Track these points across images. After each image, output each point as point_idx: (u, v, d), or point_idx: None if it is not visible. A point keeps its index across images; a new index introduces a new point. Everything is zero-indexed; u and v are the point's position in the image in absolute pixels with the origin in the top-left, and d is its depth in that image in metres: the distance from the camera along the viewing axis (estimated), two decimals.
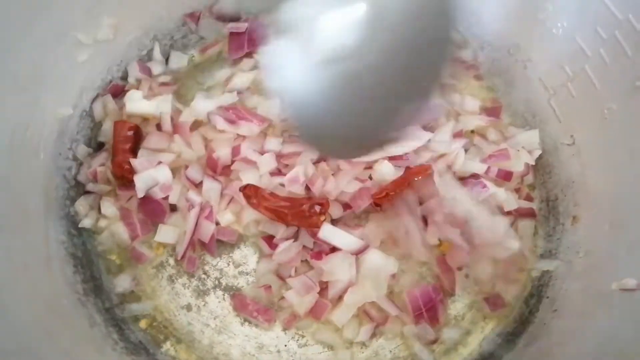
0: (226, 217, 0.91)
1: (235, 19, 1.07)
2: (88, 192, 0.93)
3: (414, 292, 0.85)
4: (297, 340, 0.86)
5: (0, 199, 0.75)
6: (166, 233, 0.90)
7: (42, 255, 0.81)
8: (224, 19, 1.06)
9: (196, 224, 0.89)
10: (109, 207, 0.91)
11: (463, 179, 0.93)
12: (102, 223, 0.91)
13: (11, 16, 0.77)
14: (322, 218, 0.86)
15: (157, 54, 1.04)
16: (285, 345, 0.85)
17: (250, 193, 0.87)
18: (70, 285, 0.83)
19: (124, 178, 0.91)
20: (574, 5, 0.88)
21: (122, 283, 0.88)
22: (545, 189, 0.97)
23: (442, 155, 0.94)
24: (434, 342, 0.86)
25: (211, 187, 0.91)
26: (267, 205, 0.87)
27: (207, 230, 0.89)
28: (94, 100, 0.97)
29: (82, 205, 0.91)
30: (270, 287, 0.87)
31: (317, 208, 0.86)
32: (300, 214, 0.86)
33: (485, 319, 0.88)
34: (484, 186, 0.91)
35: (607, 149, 0.85)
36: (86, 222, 0.90)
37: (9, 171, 0.78)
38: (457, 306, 0.89)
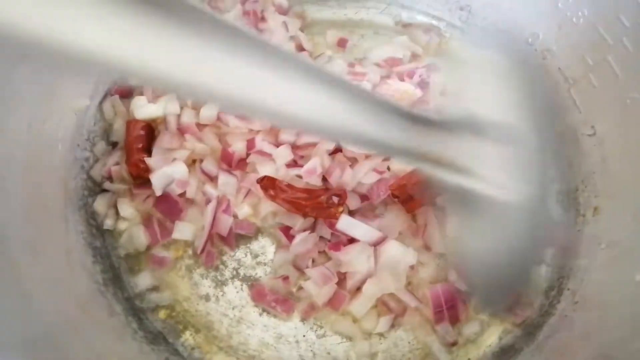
0: (244, 210, 0.91)
1: None
2: (105, 190, 0.93)
3: (436, 289, 0.85)
4: (316, 330, 0.86)
5: (21, 190, 0.75)
6: (183, 230, 0.90)
7: (63, 246, 0.81)
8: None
9: (214, 218, 0.89)
10: (127, 209, 0.91)
11: None
12: (122, 225, 0.91)
13: None
14: (340, 209, 0.85)
15: None
16: (304, 336, 0.85)
17: (268, 185, 0.87)
18: (89, 275, 0.83)
19: (141, 177, 0.91)
20: None
21: (143, 281, 0.88)
22: (565, 181, 0.96)
23: None
24: (454, 344, 0.85)
25: (227, 181, 0.91)
26: (285, 197, 0.86)
27: (226, 223, 0.89)
28: (102, 100, 0.97)
29: (100, 205, 0.91)
30: (288, 277, 0.87)
31: (335, 199, 0.86)
32: (318, 205, 0.86)
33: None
34: None
35: (630, 139, 0.83)
36: (108, 223, 0.90)
37: (28, 163, 0.79)
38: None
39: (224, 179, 0.91)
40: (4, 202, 0.71)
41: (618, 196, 0.84)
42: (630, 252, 0.76)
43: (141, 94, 0.98)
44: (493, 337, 0.86)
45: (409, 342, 0.85)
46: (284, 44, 1.01)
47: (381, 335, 0.85)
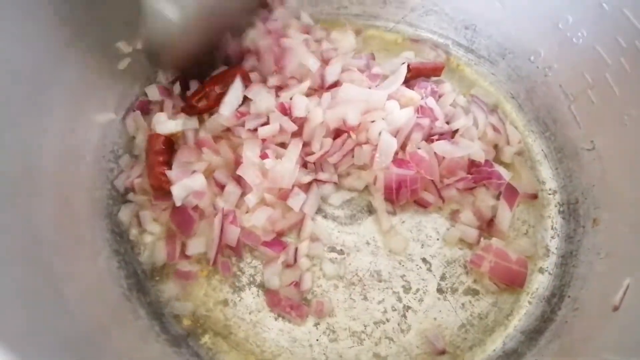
0: (246, 219, 0.93)
1: None
2: (128, 201, 0.98)
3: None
4: (328, 335, 0.90)
5: (53, 199, 0.80)
6: (195, 245, 0.93)
7: (90, 252, 0.86)
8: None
9: (222, 230, 0.91)
10: (151, 224, 0.95)
11: None
12: (147, 239, 0.95)
13: (60, 31, 0.83)
14: None
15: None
16: (317, 340, 0.90)
17: None
18: (115, 281, 0.88)
19: (162, 189, 0.95)
20: (594, 16, 0.91)
21: (167, 292, 0.92)
22: (566, 193, 1.01)
23: None
24: (442, 352, 0.89)
25: (232, 190, 0.94)
26: None
27: (233, 234, 0.91)
28: (125, 115, 1.02)
29: (124, 214, 0.95)
30: (297, 282, 0.92)
31: None
32: None
33: (509, 316, 0.92)
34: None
35: (627, 153, 0.88)
36: (133, 233, 0.95)
37: (59, 174, 0.84)
38: (481, 304, 0.92)
39: (230, 188, 0.94)
40: (39, 209, 0.76)
41: (616, 208, 0.88)
42: (627, 261, 0.80)
43: (161, 110, 1.03)
44: (498, 342, 0.90)
45: (417, 347, 0.89)
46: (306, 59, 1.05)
47: (390, 339, 0.90)
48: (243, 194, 0.95)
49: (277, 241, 0.95)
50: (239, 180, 0.96)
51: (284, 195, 0.94)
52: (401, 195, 0.96)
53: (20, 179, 0.75)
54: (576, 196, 0.98)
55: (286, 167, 0.93)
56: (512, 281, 0.92)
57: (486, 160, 0.99)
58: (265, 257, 0.95)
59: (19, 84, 0.76)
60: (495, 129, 1.05)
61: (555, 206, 1.01)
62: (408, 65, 1.04)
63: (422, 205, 0.99)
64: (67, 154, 0.87)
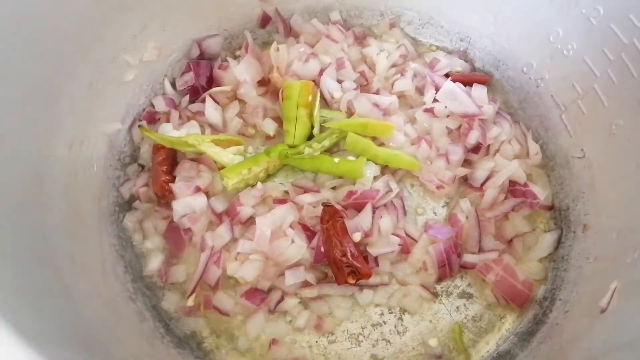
0: (233, 266, 0.92)
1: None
2: (134, 208, 1.01)
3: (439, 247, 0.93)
4: (327, 337, 0.93)
5: (62, 206, 0.84)
6: (177, 273, 0.95)
7: (98, 257, 0.89)
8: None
9: (205, 267, 0.92)
10: (155, 239, 0.98)
11: None
12: (148, 245, 0.98)
13: (70, 45, 0.86)
14: (351, 281, 0.87)
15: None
16: (317, 342, 0.93)
17: (328, 212, 0.90)
18: (121, 284, 0.91)
19: (165, 197, 0.98)
20: (583, 30, 0.94)
21: (170, 304, 0.95)
22: (558, 199, 1.03)
23: None
24: (439, 357, 0.92)
25: (222, 233, 0.94)
26: (332, 233, 0.88)
27: (214, 275, 0.92)
28: (132, 125, 1.05)
29: (129, 221, 0.98)
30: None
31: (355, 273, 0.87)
32: (341, 266, 0.87)
33: (502, 319, 0.95)
34: None
35: (615, 161, 0.91)
36: (137, 239, 0.98)
37: (69, 182, 0.87)
38: (475, 307, 0.95)
39: (222, 229, 0.94)
40: (50, 215, 0.79)
41: (604, 214, 0.91)
42: (615, 265, 0.83)
43: (167, 120, 1.06)
44: (491, 343, 0.93)
45: (413, 348, 0.92)
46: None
47: (387, 341, 0.92)
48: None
49: (256, 291, 0.92)
50: (231, 223, 0.95)
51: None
52: (454, 265, 0.94)
53: (32, 186, 0.78)
54: (567, 203, 1.01)
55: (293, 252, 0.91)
56: (513, 299, 0.93)
57: None
58: (245, 310, 0.93)
59: (31, 96, 0.80)
60: (518, 141, 1.07)
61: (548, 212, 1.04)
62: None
63: (468, 268, 0.97)
64: (76, 162, 0.90)
